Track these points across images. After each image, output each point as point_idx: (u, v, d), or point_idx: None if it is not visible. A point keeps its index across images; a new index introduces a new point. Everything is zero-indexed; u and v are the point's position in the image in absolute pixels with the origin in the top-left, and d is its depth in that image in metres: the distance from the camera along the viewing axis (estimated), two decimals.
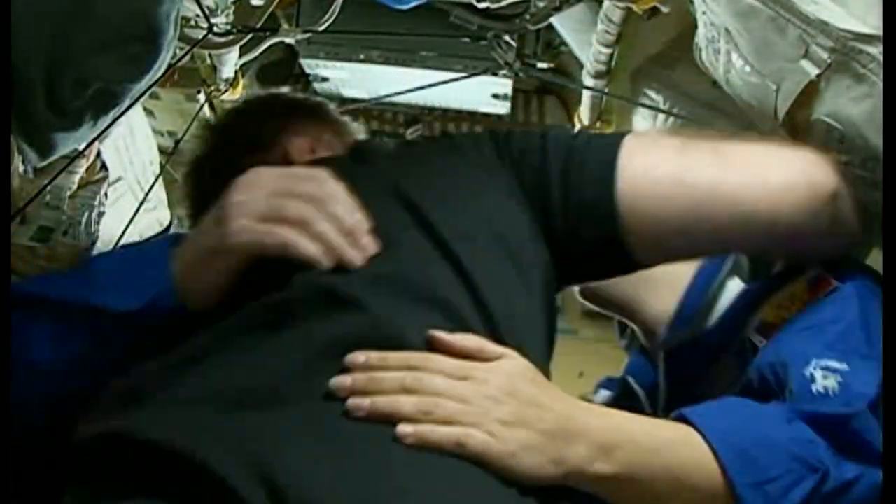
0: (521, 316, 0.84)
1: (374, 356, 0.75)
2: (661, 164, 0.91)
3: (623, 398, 1.23)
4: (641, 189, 0.90)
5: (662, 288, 1.15)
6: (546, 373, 0.85)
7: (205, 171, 1.17)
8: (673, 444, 0.82)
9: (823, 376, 0.88)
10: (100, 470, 0.71)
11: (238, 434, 0.68)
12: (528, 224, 0.90)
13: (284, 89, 1.35)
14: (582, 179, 0.91)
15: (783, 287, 1.01)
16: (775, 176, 0.91)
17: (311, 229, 0.79)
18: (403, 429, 0.71)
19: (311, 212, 0.80)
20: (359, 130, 1.23)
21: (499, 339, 0.80)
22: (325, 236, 0.79)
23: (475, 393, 0.75)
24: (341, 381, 0.73)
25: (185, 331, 0.79)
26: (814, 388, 0.88)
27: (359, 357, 0.74)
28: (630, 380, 1.23)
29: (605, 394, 1.35)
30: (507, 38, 1.79)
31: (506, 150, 0.94)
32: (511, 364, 0.79)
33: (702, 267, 1.15)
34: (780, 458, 0.82)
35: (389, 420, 0.72)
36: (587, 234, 0.91)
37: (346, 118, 1.23)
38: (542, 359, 0.86)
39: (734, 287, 1.11)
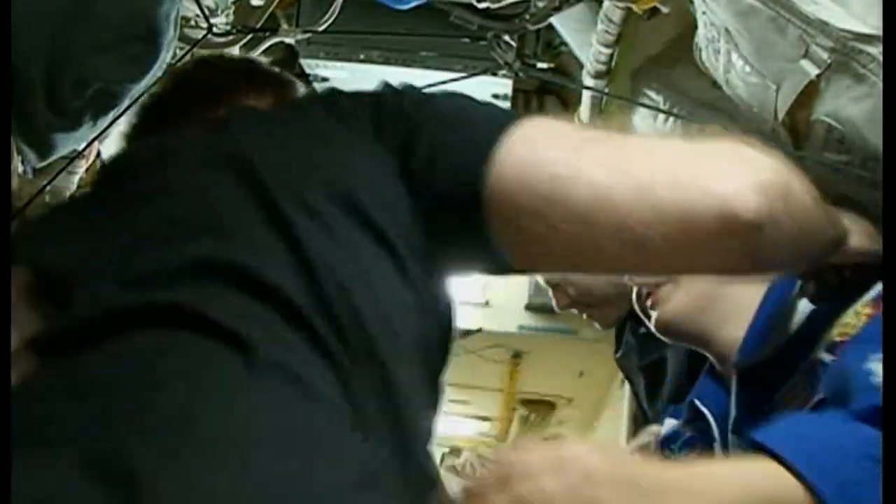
0: (396, 314, 0.73)
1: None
2: (547, 162, 0.76)
3: (692, 420, 1.26)
4: (515, 188, 0.75)
5: (735, 315, 1.16)
6: (438, 381, 0.78)
7: (152, 110, 1.12)
8: (753, 477, 0.81)
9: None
10: None
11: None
12: (407, 202, 0.78)
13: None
14: (453, 152, 0.78)
15: (850, 306, 1.01)
16: (679, 199, 0.73)
17: None
18: None
19: None
20: None
21: (363, 337, 0.69)
22: None
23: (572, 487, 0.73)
24: None
25: None
26: (873, 380, 0.87)
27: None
28: (698, 402, 1.25)
29: (671, 422, 1.36)
30: (506, 38, 1.78)
31: (384, 113, 0.83)
32: (581, 449, 0.76)
33: (770, 289, 1.15)
34: (852, 459, 0.81)
35: None
36: (444, 219, 0.78)
37: None
38: (422, 363, 0.74)
39: (803, 308, 1.11)
